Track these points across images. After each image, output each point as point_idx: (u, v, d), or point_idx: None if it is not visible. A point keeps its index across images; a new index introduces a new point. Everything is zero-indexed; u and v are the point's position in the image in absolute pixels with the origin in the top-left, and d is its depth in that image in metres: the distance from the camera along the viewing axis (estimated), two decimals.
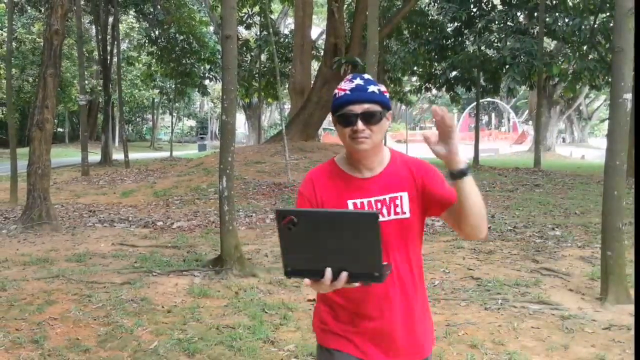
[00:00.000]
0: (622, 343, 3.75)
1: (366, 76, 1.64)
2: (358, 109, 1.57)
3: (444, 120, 1.46)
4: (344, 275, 1.36)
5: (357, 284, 1.40)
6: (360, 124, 1.57)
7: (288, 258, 1.39)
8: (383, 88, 1.64)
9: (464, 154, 1.50)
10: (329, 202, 1.65)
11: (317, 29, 31.88)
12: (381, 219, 1.57)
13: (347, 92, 1.60)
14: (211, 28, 25.48)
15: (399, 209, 1.63)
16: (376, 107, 1.59)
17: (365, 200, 1.63)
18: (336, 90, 1.64)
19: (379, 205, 1.63)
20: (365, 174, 1.66)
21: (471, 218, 1.53)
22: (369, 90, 1.59)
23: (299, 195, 1.72)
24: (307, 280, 1.40)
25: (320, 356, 1.72)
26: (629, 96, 4.60)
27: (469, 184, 1.50)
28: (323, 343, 1.71)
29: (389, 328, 1.65)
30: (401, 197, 1.63)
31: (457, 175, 1.50)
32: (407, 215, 1.63)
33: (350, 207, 1.63)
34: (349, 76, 1.65)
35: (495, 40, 17.65)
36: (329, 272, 1.36)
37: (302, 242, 1.36)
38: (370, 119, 1.58)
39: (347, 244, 1.33)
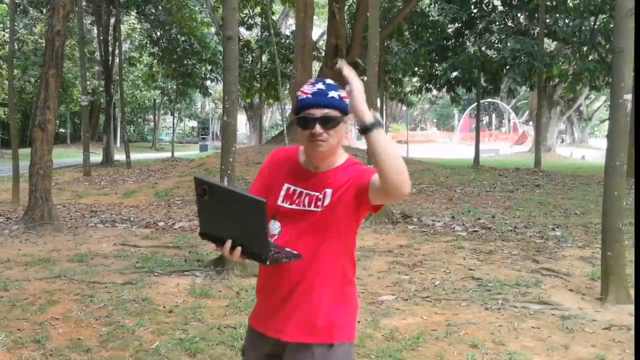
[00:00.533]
0: (622, 343, 3.77)
1: (328, 81, 1.70)
2: (317, 112, 1.65)
3: (344, 73, 1.55)
4: (238, 249, 1.55)
5: (247, 260, 1.59)
6: (318, 128, 1.65)
7: (201, 221, 1.61)
8: (343, 93, 1.67)
9: (368, 111, 1.53)
10: (274, 181, 1.82)
11: (318, 30, 31.92)
12: (297, 207, 1.75)
13: (309, 95, 1.68)
14: (212, 29, 25.52)
15: (320, 203, 1.72)
16: (335, 112, 1.66)
17: (298, 189, 1.76)
18: (299, 93, 1.71)
19: (305, 197, 1.75)
20: (311, 169, 1.77)
21: (385, 173, 1.52)
22: (329, 95, 1.67)
23: (261, 168, 1.92)
24: (212, 245, 1.62)
25: (247, 333, 1.93)
26: (629, 97, 4.62)
27: (377, 138, 1.52)
28: (249, 322, 1.91)
29: (285, 306, 1.75)
30: (325, 193, 1.72)
31: (361, 130, 1.53)
32: (319, 209, 1.71)
33: (284, 190, 1.77)
34: (312, 80, 1.73)
35: (496, 41, 17.70)
36: (228, 243, 1.55)
37: (211, 210, 1.55)
38: (328, 123, 1.66)
39: (243, 222, 1.50)
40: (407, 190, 1.56)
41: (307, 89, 1.70)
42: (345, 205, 1.71)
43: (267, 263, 1.52)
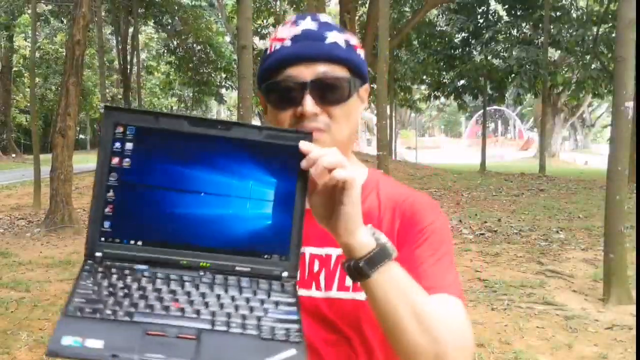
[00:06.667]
0: (624, 342, 3.88)
1: (322, 17, 0.90)
2: (307, 73, 0.85)
3: (322, 165, 0.71)
4: None
5: None
6: (309, 102, 0.84)
7: None
8: (354, 40, 0.91)
9: (364, 232, 0.74)
10: None
11: None
12: (312, 294, 0.88)
13: (287, 42, 0.87)
14: (227, 38, 25.80)
15: (350, 280, 0.82)
16: (341, 72, 0.86)
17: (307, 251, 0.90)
18: (269, 42, 0.91)
19: (316, 264, 0.89)
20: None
21: (395, 346, 0.78)
22: (328, 39, 0.86)
23: None
24: None
25: None
26: (630, 104, 4.73)
27: (384, 284, 0.74)
28: None
29: None
30: None
31: (348, 271, 0.75)
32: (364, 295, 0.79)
33: None
34: (293, 17, 0.92)
35: (502, 50, 17.86)
36: None
37: None
38: (328, 92, 0.85)
39: None
40: None
41: (284, 33, 0.88)
42: None
43: None
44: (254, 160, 0.73)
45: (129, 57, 22.34)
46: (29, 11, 18.56)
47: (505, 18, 18.63)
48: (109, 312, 0.64)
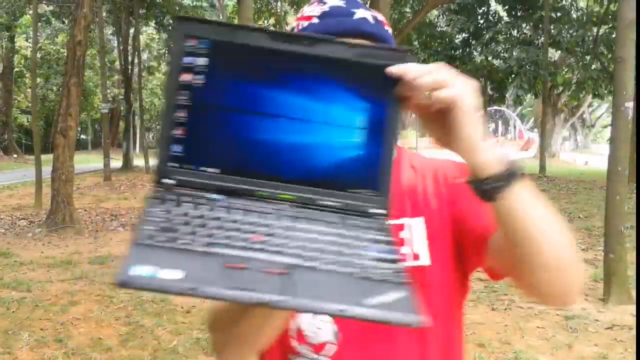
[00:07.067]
0: (624, 342, 3.89)
1: None
2: None
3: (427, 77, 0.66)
4: None
5: None
6: None
7: None
8: (382, 17, 0.91)
9: (486, 151, 0.70)
10: None
11: None
12: None
13: (315, 20, 0.88)
14: None
15: (406, 249, 0.87)
16: None
17: None
18: (295, 22, 0.92)
19: None
20: None
21: (532, 266, 0.76)
22: (356, 15, 0.87)
23: None
24: None
25: None
26: (630, 104, 4.75)
27: (515, 203, 0.72)
28: None
29: None
30: (411, 226, 0.88)
31: (480, 189, 0.71)
32: (425, 261, 0.88)
33: None
34: None
35: (502, 51, 17.92)
36: None
37: None
38: None
39: None
40: (569, 297, 0.81)
41: (311, 11, 0.89)
42: (451, 249, 0.90)
43: None
44: (343, 81, 0.64)
45: (130, 58, 22.39)
46: (30, 12, 18.63)
47: (506, 19, 18.69)
48: (184, 241, 0.56)
